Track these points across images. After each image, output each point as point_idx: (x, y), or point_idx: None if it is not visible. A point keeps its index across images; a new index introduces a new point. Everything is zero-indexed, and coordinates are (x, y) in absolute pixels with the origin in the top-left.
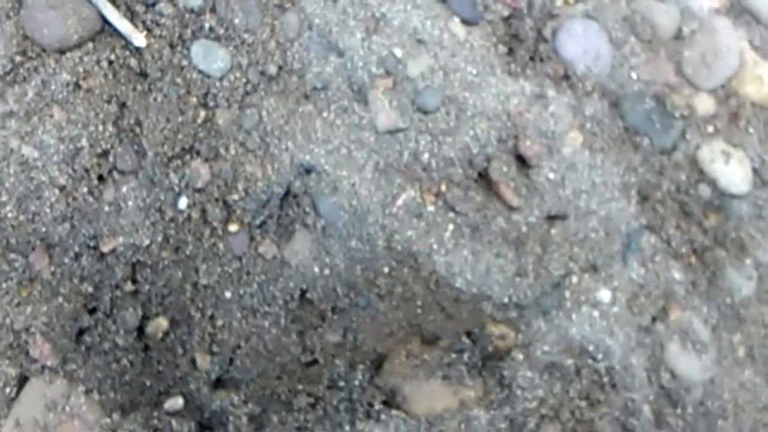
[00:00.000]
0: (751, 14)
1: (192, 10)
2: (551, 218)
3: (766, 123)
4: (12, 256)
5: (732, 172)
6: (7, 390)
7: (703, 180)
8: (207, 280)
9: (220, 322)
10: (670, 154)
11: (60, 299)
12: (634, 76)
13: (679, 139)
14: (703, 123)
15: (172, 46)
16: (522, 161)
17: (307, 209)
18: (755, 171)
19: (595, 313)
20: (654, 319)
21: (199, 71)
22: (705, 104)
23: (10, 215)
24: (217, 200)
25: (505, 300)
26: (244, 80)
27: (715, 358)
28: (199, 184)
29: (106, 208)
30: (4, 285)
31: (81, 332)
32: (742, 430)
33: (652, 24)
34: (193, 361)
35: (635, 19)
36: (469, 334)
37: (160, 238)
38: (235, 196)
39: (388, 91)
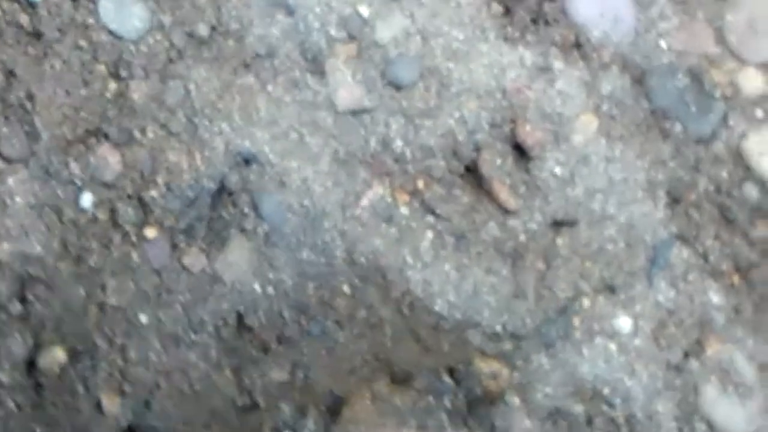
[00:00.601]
0: None
1: None
2: (557, 224)
3: None
4: None
5: None
6: None
7: (749, 178)
8: (117, 299)
9: (133, 354)
10: (708, 145)
11: None
12: (663, 45)
13: (720, 126)
14: (750, 106)
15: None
16: (521, 152)
17: (246, 210)
18: None
19: (612, 346)
20: (686, 355)
21: (109, 32)
22: (753, 82)
23: None
24: (130, 197)
25: (498, 328)
26: (166, 44)
27: (763, 404)
28: (108, 177)
29: None
30: None
31: None
32: None
33: None
34: (98, 405)
35: None
36: (451, 371)
37: (56, 246)
38: (154, 193)
39: (351, 59)
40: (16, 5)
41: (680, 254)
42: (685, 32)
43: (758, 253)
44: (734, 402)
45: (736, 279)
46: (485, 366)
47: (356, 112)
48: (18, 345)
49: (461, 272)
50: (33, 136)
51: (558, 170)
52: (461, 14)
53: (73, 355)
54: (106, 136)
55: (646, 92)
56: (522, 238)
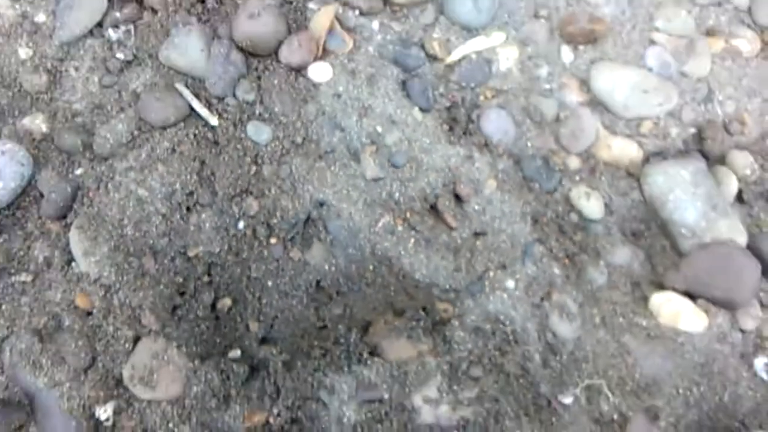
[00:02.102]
0: (603, 105)
1: (247, 102)
2: (477, 234)
3: (612, 174)
4: (130, 259)
5: (591, 205)
6: (127, 345)
7: (572, 210)
8: (256, 274)
9: (264, 301)
10: (552, 194)
11: (161, 287)
12: (529, 144)
13: (558, 185)
14: (572, 174)
15: (234, 125)
16: (458, 198)
17: (321, 229)
18: (605, 205)
19: (505, 296)
20: (542, 299)
21: (252, 141)
22: (574, 162)
23: (129, 233)
24: (263, 223)
25: (447, 287)
26: (281, 147)
27: (580, 324)
28: (252, 213)
29: (192, 228)
30: (125, 278)
31: (174, 308)
32: (597, 370)
33: (541, 112)
34: (247, 326)
35: (530, 108)
36: (424, 309)
37: (226, 247)
38: (275, 220)
39: (373, 153)
40: (205, 128)
41: (538, 249)
42: (540, 138)
43: (578, 248)
44: (566, 323)
45: (567, 261)
46: (441, 306)
47: (376, 180)
48: (207, 297)
49: (429, 259)
50: (214, 193)
51: (477, 207)
52: (428, 130)
53: (235, 302)
54: (251, 193)
55: (521, 168)
56: (459, 241)
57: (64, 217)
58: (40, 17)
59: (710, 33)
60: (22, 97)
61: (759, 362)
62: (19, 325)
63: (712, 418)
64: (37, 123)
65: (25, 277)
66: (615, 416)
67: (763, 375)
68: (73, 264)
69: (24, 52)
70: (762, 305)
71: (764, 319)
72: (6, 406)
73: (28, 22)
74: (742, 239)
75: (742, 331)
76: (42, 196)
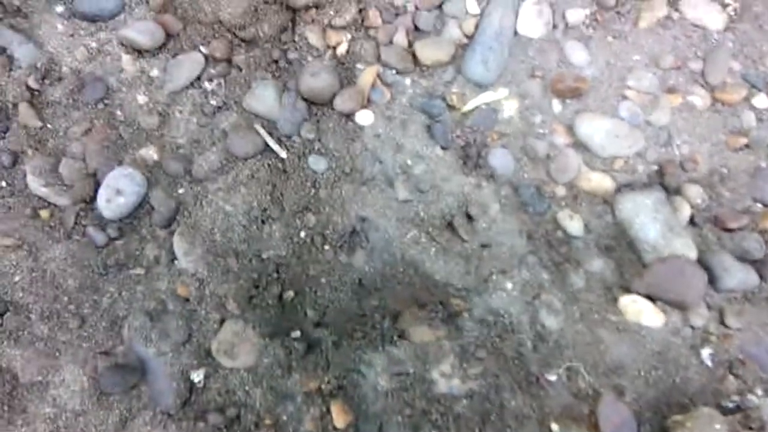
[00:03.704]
0: (584, 146)
1: (309, 140)
2: (483, 246)
3: (590, 201)
4: (218, 259)
5: (573, 225)
6: (215, 325)
7: (559, 228)
8: (313, 272)
9: (319, 294)
10: (543, 215)
11: (241, 281)
12: (525, 176)
13: (548, 208)
14: (559, 200)
15: (299, 157)
16: (469, 217)
17: (363, 239)
18: (585, 225)
19: (504, 295)
20: (533, 298)
21: (312, 170)
22: (560, 191)
23: (218, 239)
24: (319, 233)
25: (460, 286)
26: (334, 175)
27: (563, 318)
28: (310, 225)
29: (264, 236)
30: (214, 274)
31: (251, 297)
32: (576, 355)
33: (535, 151)
34: (305, 312)
35: (527, 148)
36: (441, 303)
37: (291, 252)
38: (328, 231)
39: (404, 181)
40: (277, 160)
41: (531, 259)
42: (529, 171)
43: (563, 258)
44: (552, 317)
45: (554, 269)
46: (454, 301)
47: (406, 201)
48: (275, 289)
49: (446, 264)
50: (282, 209)
51: (484, 225)
52: (447, 164)
53: (296, 294)
54: (310, 209)
55: (519, 195)
56: (469, 251)
57: (169, 225)
58: (155, 72)
59: (671, 90)
60: (139, 133)
61: (705, 352)
62: (135, 308)
63: (666, 395)
64: (150, 153)
65: (139, 270)
66: (590, 392)
67: (708, 362)
68: (176, 262)
69: (142, 99)
70: (708, 307)
71: (709, 318)
72: (124, 369)
73: (145, 75)
74: (693, 255)
75: (692, 327)
76: (153, 209)
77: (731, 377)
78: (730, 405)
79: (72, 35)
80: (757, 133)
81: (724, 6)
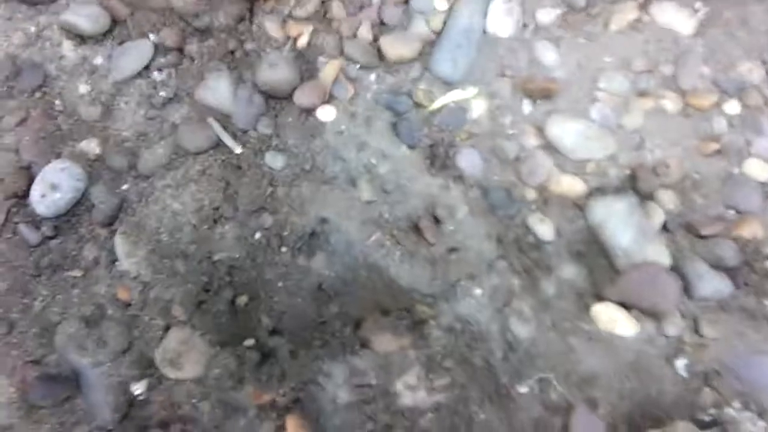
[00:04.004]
0: (555, 148)
1: (266, 135)
2: (451, 250)
3: (561, 205)
4: (165, 261)
5: (544, 229)
6: (159, 333)
7: (529, 233)
8: (269, 276)
9: (275, 299)
10: (512, 219)
11: (189, 285)
12: (495, 178)
13: (518, 212)
14: (530, 204)
15: (255, 153)
16: (436, 220)
17: (323, 241)
18: (556, 229)
19: (473, 301)
20: (503, 305)
21: (269, 167)
22: (531, 194)
23: (164, 239)
24: (276, 234)
25: (426, 292)
26: (292, 172)
27: (535, 327)
28: (266, 226)
29: (216, 237)
30: (159, 276)
31: (200, 303)
32: (548, 365)
33: (504, 152)
34: (260, 320)
35: (496, 149)
36: (407, 309)
37: (245, 254)
38: (286, 232)
39: (368, 181)
40: (231, 155)
41: (501, 264)
42: (504, 173)
43: (533, 264)
44: (523, 325)
45: (524, 275)
46: (420, 308)
47: (370, 202)
48: (227, 294)
49: (412, 268)
50: (236, 208)
51: (451, 227)
52: (413, 164)
53: (251, 299)
54: (266, 209)
55: (488, 197)
56: (436, 255)
57: (111, 224)
58: (98, 60)
59: (642, 94)
60: (79, 125)
61: (680, 363)
62: (70, 313)
63: (641, 407)
64: (91, 146)
65: (76, 272)
66: (562, 404)
67: (683, 373)
68: (117, 263)
69: (83, 88)
70: (682, 316)
71: (684, 327)
72: (56, 380)
73: (87, 63)
74: (667, 261)
75: (666, 337)
76: (93, 206)
77: (707, 389)
78: (707, 419)
79: (9, 18)
80: (728, 139)
81: (695, 11)
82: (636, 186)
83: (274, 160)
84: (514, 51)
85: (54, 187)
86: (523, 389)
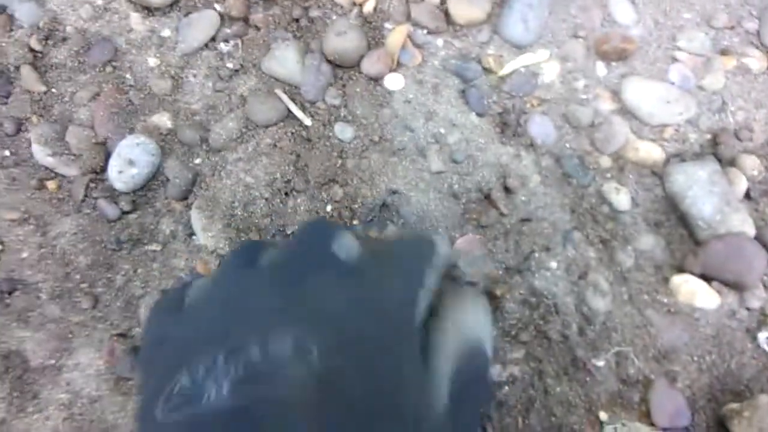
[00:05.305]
0: (631, 113)
1: (335, 106)
2: (523, 221)
3: (638, 173)
4: (240, 234)
5: (620, 199)
6: None
7: (604, 203)
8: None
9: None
10: (586, 188)
11: None
12: (568, 145)
13: (592, 181)
14: (604, 172)
15: (324, 125)
16: (508, 190)
17: (394, 213)
18: (632, 198)
19: (548, 274)
20: (579, 278)
21: (338, 139)
22: (606, 162)
23: (238, 213)
24: (346, 207)
25: (503, 265)
26: (361, 144)
27: (611, 300)
28: (337, 198)
29: (289, 210)
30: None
31: None
32: (625, 339)
33: (578, 118)
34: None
35: (569, 115)
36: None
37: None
38: (356, 205)
39: (437, 151)
40: (300, 127)
41: (577, 235)
42: (577, 140)
43: (609, 235)
44: (599, 298)
45: (600, 246)
46: (495, 281)
47: (439, 173)
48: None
49: (490, 241)
50: (307, 181)
51: (524, 198)
52: (483, 132)
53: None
54: (337, 182)
55: (561, 166)
56: (509, 226)
57: (186, 198)
58: (166, 32)
59: (724, 53)
60: (150, 99)
61: (762, 336)
62: (152, 286)
63: (721, 381)
64: (163, 120)
65: (155, 246)
66: (640, 378)
67: (765, 347)
68: (194, 237)
69: (153, 61)
70: (766, 288)
71: (766, 299)
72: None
73: (155, 36)
74: (751, 231)
75: (748, 309)
76: (168, 180)
77: None
78: None
79: None
80: None
81: None
82: (717, 151)
83: (343, 132)
84: (587, 9)
85: (131, 162)
86: (599, 363)
